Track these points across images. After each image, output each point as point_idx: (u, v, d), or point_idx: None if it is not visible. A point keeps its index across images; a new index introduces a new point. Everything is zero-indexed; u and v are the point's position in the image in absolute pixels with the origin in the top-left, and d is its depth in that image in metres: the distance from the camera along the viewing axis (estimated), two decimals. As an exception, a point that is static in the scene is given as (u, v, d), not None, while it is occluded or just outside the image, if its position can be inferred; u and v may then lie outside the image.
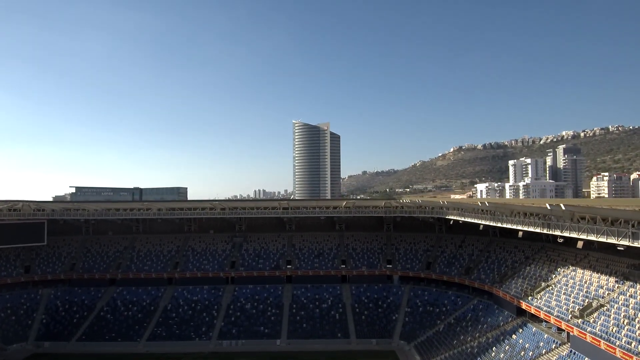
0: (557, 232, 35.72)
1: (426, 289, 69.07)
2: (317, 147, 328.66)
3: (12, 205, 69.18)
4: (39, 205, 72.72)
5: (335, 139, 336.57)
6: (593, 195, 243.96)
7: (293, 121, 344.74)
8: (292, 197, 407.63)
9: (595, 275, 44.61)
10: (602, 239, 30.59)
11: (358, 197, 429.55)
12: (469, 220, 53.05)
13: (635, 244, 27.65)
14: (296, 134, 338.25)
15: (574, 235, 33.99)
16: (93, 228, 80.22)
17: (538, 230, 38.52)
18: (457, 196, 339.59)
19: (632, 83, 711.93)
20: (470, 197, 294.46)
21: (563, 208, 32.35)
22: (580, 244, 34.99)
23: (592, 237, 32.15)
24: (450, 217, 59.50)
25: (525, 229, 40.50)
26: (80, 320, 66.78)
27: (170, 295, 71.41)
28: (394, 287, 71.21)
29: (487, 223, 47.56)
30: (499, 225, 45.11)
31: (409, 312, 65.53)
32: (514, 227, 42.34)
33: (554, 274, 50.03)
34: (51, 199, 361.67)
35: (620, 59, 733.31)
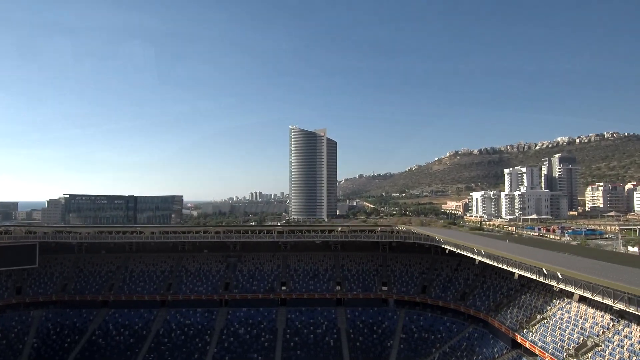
0: (553, 283, 35.40)
1: (422, 313, 68.57)
2: (314, 153, 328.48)
3: (5, 229, 68.33)
4: (31, 229, 71.90)
5: (331, 144, 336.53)
6: (588, 205, 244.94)
7: (290, 127, 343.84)
8: (288, 201, 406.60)
9: (590, 310, 44.29)
10: (598, 299, 30.35)
11: (355, 202, 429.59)
12: (465, 253, 52.79)
13: (632, 310, 27.43)
14: (293, 139, 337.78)
15: (570, 289, 33.70)
16: (86, 247, 79.29)
17: (534, 277, 38.23)
18: (453, 202, 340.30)
19: (627, 89, 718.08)
20: (466, 204, 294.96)
21: (560, 277, 32.07)
22: (576, 297, 34.63)
23: (587, 294, 31.86)
24: (446, 247, 59.19)
25: (521, 272, 40.20)
26: (72, 345, 65.81)
27: (163, 318, 70.56)
28: (389, 311, 70.66)
29: (483, 260, 47.27)
30: (495, 264, 44.81)
31: (404, 339, 65.02)
32: (510, 269, 42.06)
33: (549, 305, 49.69)
34: (45, 202, 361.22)
35: (616, 66, 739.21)
